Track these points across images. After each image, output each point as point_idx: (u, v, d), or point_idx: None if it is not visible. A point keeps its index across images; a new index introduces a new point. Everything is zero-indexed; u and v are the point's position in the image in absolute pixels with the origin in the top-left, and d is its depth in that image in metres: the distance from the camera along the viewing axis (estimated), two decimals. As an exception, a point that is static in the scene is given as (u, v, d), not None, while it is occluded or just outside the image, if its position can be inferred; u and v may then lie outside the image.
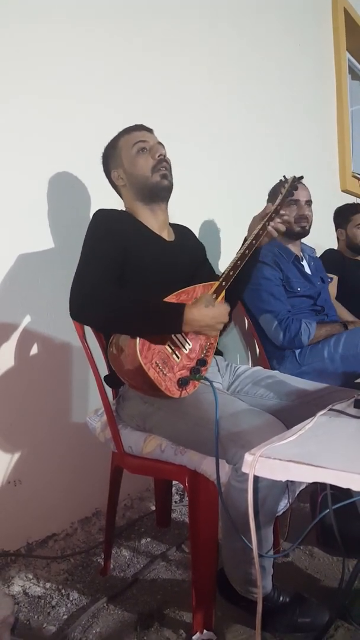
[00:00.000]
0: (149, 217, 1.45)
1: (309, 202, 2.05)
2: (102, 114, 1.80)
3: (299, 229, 2.03)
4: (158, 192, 1.43)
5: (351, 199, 3.57)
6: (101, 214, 1.38)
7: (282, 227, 1.45)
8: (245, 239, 1.45)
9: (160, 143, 1.45)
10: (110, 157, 1.47)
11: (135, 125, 1.46)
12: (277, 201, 1.49)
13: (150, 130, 1.46)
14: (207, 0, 2.38)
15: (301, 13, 3.23)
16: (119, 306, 1.19)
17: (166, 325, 1.19)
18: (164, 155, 1.43)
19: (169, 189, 1.44)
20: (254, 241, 1.39)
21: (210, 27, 2.39)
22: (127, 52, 1.94)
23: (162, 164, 1.41)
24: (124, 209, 1.48)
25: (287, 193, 1.53)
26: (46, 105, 1.64)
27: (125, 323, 1.19)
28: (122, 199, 1.50)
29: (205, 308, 1.20)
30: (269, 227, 1.42)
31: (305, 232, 2.06)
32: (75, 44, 1.74)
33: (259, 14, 2.77)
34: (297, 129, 3.08)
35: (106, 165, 1.49)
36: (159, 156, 1.41)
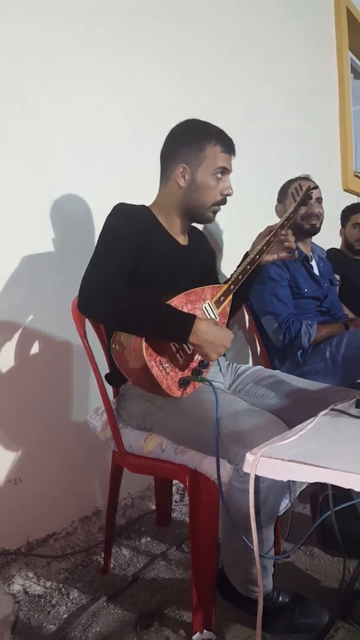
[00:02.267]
0: (174, 220, 1.42)
1: (319, 200, 2.05)
2: (103, 116, 1.79)
3: (309, 227, 2.03)
4: (201, 221, 1.44)
5: (353, 198, 3.57)
6: (121, 208, 1.34)
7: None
8: (247, 255, 1.46)
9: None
10: (188, 151, 1.36)
11: (230, 141, 1.38)
12: (291, 209, 1.49)
13: (234, 155, 1.41)
14: (209, 0, 2.37)
15: (303, 12, 3.22)
16: (130, 305, 1.17)
17: (174, 333, 1.18)
18: (229, 195, 1.39)
19: (209, 223, 1.45)
20: (257, 256, 1.40)
21: (211, 26, 2.38)
22: (128, 53, 1.93)
23: (223, 203, 1.40)
24: (144, 203, 1.44)
25: (301, 201, 1.53)
26: (47, 107, 1.64)
27: (133, 322, 1.17)
28: (162, 188, 1.43)
29: (214, 325, 1.20)
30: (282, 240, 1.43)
31: (315, 230, 2.05)
32: (76, 43, 1.73)
33: (260, 13, 2.76)
34: (299, 128, 3.07)
35: (178, 149, 1.37)
36: (226, 193, 1.38)
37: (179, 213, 1.41)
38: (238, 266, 1.41)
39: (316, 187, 1.99)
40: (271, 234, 1.41)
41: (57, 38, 1.66)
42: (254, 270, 1.39)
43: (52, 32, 1.65)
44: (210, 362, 1.28)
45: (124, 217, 1.32)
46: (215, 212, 1.41)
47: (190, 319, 1.17)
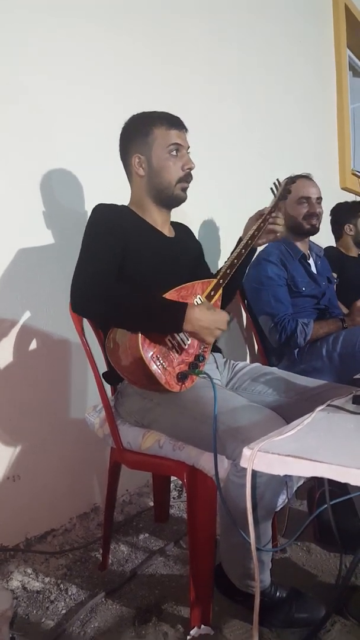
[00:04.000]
0: (153, 212, 1.44)
1: (319, 199, 2.05)
2: (99, 110, 1.80)
3: (309, 227, 2.03)
4: (173, 202, 1.43)
5: (351, 197, 3.57)
6: (101, 207, 1.36)
7: (280, 227, 1.48)
8: (241, 239, 1.50)
9: (189, 147, 1.42)
10: (138, 139, 1.39)
11: (176, 119, 1.40)
12: (271, 203, 1.50)
13: (186, 130, 1.42)
14: (207, -3, 2.38)
15: (302, 9, 3.22)
16: (121, 299, 1.17)
17: (168, 322, 1.19)
18: (192, 169, 1.40)
19: (183, 201, 1.44)
20: (249, 241, 1.42)
21: (210, 23, 2.38)
22: (126, 49, 1.94)
23: (188, 178, 1.40)
24: (125, 203, 1.46)
25: (280, 196, 1.54)
26: (43, 101, 1.64)
27: (126, 317, 1.18)
28: (131, 185, 1.46)
29: (207, 310, 1.21)
30: (270, 226, 1.45)
31: (315, 230, 2.06)
32: (70, 39, 1.73)
33: (259, 10, 2.76)
34: (297, 126, 3.08)
35: (128, 143, 1.41)
36: (188, 168, 1.39)
37: (153, 202, 1.43)
38: (230, 256, 1.43)
39: (294, 181, 2.00)
40: (260, 218, 1.45)
41: (58, 36, 1.67)
42: (241, 264, 1.41)
43: (53, 29, 1.65)
44: (206, 355, 1.28)
45: (106, 215, 1.34)
46: (184, 189, 1.41)
47: (182, 307, 1.18)
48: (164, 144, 1.37)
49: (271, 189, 1.55)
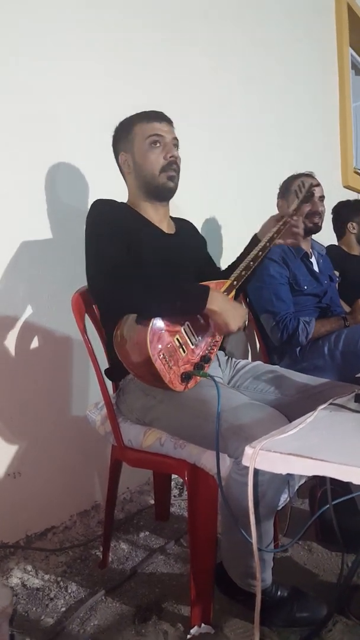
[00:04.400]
0: (148, 209, 1.43)
1: (322, 198, 2.05)
2: (104, 103, 1.79)
3: (312, 225, 2.03)
4: (162, 192, 1.42)
5: (353, 195, 3.56)
6: (101, 203, 1.36)
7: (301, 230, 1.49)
8: (256, 236, 1.48)
9: (175, 138, 1.41)
10: (123, 138, 1.42)
11: (156, 113, 1.41)
12: (293, 206, 1.50)
13: (169, 122, 1.42)
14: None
15: (304, 9, 3.21)
16: (145, 283, 1.19)
17: (193, 302, 1.22)
18: (176, 158, 1.39)
19: (173, 191, 1.43)
20: (267, 243, 1.41)
21: (212, 22, 2.38)
22: (130, 42, 1.93)
23: (172, 166, 1.39)
24: (123, 200, 1.46)
25: (303, 199, 1.54)
26: (47, 94, 1.63)
27: (152, 298, 1.19)
28: (126, 186, 1.47)
29: (228, 297, 1.26)
30: (293, 230, 1.46)
31: (317, 228, 2.06)
32: (76, 32, 1.72)
33: (262, 9, 2.75)
34: (299, 125, 3.07)
35: (116, 144, 1.45)
36: (170, 157, 1.38)
37: (145, 198, 1.43)
38: (243, 253, 1.42)
39: (318, 184, 1.99)
40: (281, 221, 1.45)
41: (64, 35, 1.67)
42: (258, 265, 1.40)
43: (59, 29, 1.65)
44: (212, 357, 1.28)
45: (108, 209, 1.35)
46: (170, 178, 1.39)
47: (206, 287, 1.22)
48: (144, 136, 1.38)
49: (295, 191, 1.55)
